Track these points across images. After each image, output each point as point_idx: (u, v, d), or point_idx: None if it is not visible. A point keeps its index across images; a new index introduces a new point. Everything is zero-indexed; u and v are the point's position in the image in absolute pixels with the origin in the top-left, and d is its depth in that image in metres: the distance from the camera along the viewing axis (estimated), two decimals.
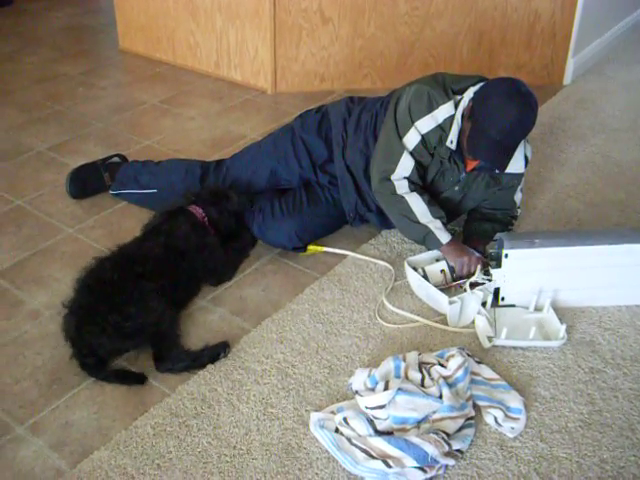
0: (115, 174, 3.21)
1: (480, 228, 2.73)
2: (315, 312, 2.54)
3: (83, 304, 2.32)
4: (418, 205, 2.59)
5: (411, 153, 2.58)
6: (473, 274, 2.53)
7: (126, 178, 3.17)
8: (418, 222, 2.59)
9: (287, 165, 2.91)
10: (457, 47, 4.28)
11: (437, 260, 2.66)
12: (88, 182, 3.22)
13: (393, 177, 2.60)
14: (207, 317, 2.53)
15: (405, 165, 2.58)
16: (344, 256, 2.83)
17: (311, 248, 2.83)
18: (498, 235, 2.51)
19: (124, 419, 2.13)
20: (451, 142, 2.52)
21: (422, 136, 2.55)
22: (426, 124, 2.53)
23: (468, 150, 2.48)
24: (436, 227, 2.59)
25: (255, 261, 2.82)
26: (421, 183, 2.65)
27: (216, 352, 2.33)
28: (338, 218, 2.87)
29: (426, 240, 2.61)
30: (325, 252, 2.84)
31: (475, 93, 2.46)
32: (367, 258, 2.81)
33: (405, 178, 2.60)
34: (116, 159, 3.32)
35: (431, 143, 2.56)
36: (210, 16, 4.34)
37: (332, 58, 4.24)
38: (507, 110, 2.34)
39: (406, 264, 2.62)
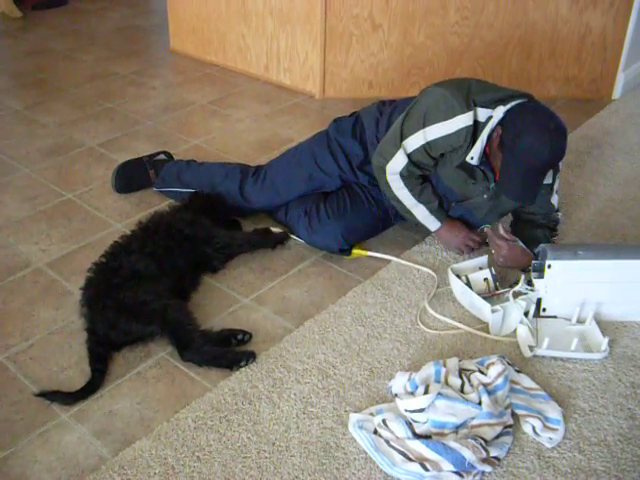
0: (160, 171, 3.28)
1: (532, 234, 2.73)
2: (357, 315, 2.56)
3: (90, 296, 2.46)
4: (408, 198, 2.74)
5: (408, 155, 2.63)
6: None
7: (169, 176, 3.23)
8: (409, 212, 2.78)
9: (325, 168, 2.94)
10: (506, 58, 4.27)
11: (480, 268, 2.67)
12: (133, 178, 3.30)
13: (387, 171, 2.69)
14: (250, 316, 2.56)
15: (397, 160, 2.65)
16: (388, 261, 2.85)
17: (355, 252, 2.86)
18: (541, 246, 2.51)
19: (166, 411, 2.17)
20: (472, 158, 2.53)
21: (427, 142, 2.58)
22: (437, 131, 2.55)
23: (499, 186, 2.53)
24: (424, 217, 2.77)
25: (299, 263, 2.85)
26: (416, 175, 2.72)
27: (238, 358, 2.32)
28: (382, 219, 2.90)
29: (418, 226, 2.84)
30: (369, 256, 2.86)
31: (506, 119, 2.46)
32: (410, 264, 2.82)
33: (399, 173, 2.68)
34: (162, 156, 3.38)
35: (437, 149, 2.59)
36: (261, 20, 4.39)
37: (381, 65, 4.27)
38: (538, 151, 2.36)
39: (450, 271, 2.63)
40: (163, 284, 2.49)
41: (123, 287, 2.42)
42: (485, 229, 2.68)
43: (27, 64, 4.84)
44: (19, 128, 3.92)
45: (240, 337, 2.41)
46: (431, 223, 2.78)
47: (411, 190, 2.71)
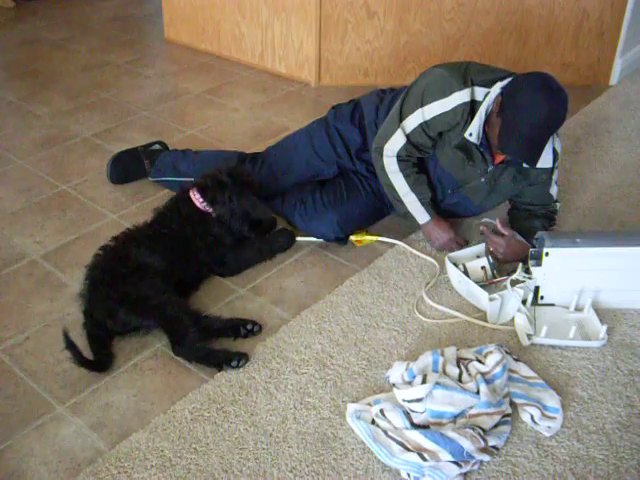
0: (155, 161, 3.26)
1: (529, 225, 2.71)
2: (354, 304, 2.55)
3: (94, 280, 2.44)
4: (401, 185, 2.71)
5: (407, 135, 2.61)
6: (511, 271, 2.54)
7: (165, 165, 3.22)
8: (400, 199, 2.74)
9: (323, 154, 2.93)
10: (502, 45, 4.25)
11: (478, 257, 2.66)
12: (129, 168, 3.28)
13: (385, 152, 2.68)
14: (247, 306, 2.55)
15: (395, 140, 2.64)
16: (384, 250, 2.84)
17: (367, 238, 2.87)
18: (539, 233, 2.49)
19: (162, 403, 2.16)
20: (470, 134, 2.51)
21: (425, 121, 2.57)
22: (434, 109, 2.54)
23: (499, 147, 2.47)
24: (415, 208, 2.74)
25: (295, 252, 2.83)
26: (414, 160, 2.71)
27: (230, 358, 2.28)
28: (378, 208, 2.89)
29: (407, 217, 2.80)
30: (363, 246, 2.86)
31: (503, 89, 2.44)
32: (416, 252, 2.81)
33: (396, 155, 2.66)
34: (157, 146, 3.36)
35: (435, 128, 2.58)
36: (256, 8, 4.36)
37: (376, 53, 4.24)
38: (538, 106, 2.32)
39: (447, 259, 2.62)
40: (167, 281, 2.46)
41: (128, 279, 2.39)
42: (481, 227, 2.66)
43: (20, 55, 4.81)
44: (13, 119, 3.90)
45: (250, 327, 2.40)
46: (420, 215, 2.76)
47: (406, 176, 2.69)
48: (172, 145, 3.46)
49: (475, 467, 1.95)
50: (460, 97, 2.49)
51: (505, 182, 2.68)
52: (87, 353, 2.28)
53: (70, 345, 2.21)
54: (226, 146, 3.56)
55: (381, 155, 2.69)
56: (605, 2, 4.10)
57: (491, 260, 2.61)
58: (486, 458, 1.95)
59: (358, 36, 4.18)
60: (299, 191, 2.93)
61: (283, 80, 4.41)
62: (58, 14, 5.57)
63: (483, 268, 2.62)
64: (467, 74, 2.51)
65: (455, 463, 1.92)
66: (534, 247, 2.50)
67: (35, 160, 3.47)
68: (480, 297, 2.47)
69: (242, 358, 2.29)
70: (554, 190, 2.71)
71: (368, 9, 4.10)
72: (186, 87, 4.32)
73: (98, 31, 5.24)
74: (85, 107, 4.03)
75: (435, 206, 2.81)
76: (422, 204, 2.74)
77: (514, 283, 2.48)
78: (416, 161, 2.72)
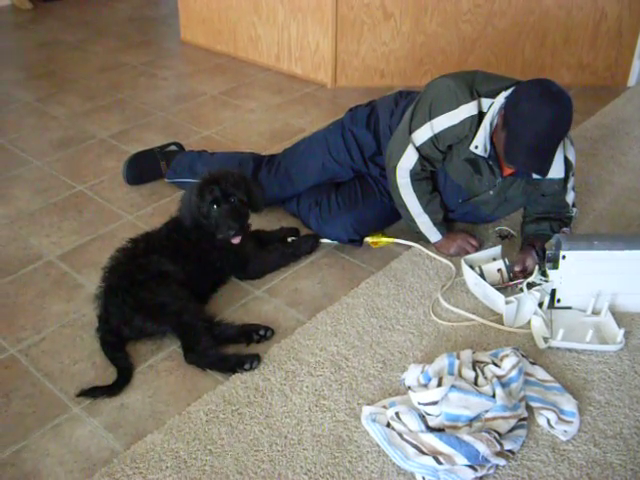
0: (171, 162, 3.26)
1: (538, 227, 2.70)
2: (370, 307, 2.55)
3: (110, 284, 2.42)
4: (414, 205, 2.72)
5: (417, 148, 2.60)
6: (529, 274, 2.53)
7: (181, 167, 3.22)
8: (413, 220, 2.76)
9: (338, 158, 2.92)
10: (519, 46, 4.23)
11: (494, 259, 2.65)
12: (145, 169, 3.29)
13: (398, 172, 2.67)
14: (262, 307, 2.55)
15: (409, 156, 2.62)
16: (400, 252, 2.83)
17: (383, 240, 2.88)
18: (556, 236, 2.48)
19: (178, 404, 2.16)
20: (476, 147, 2.49)
21: (435, 134, 2.55)
22: (443, 122, 2.53)
23: (507, 160, 2.43)
24: (427, 228, 2.77)
25: (311, 254, 2.83)
26: (427, 174, 2.70)
27: (242, 362, 2.27)
28: (393, 210, 2.87)
29: (419, 234, 2.82)
30: (379, 248, 2.86)
31: (506, 99, 2.42)
32: (432, 253, 2.81)
33: (409, 172, 2.65)
34: (173, 147, 3.37)
35: (444, 141, 2.56)
36: (272, 9, 4.36)
37: (393, 54, 4.23)
38: (540, 113, 2.27)
39: (463, 262, 2.61)
40: (186, 287, 2.45)
41: (145, 285, 2.38)
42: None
43: (37, 56, 4.85)
44: (30, 120, 3.92)
45: (262, 333, 2.39)
46: (432, 235, 2.78)
47: (419, 198, 2.69)
48: (188, 146, 3.47)
49: (491, 471, 1.94)
50: (468, 110, 2.48)
51: (515, 194, 2.66)
52: (101, 359, 2.30)
53: (91, 392, 2.20)
54: (242, 147, 3.56)
55: (395, 175, 2.68)
56: (623, 3, 4.07)
57: (507, 263, 2.60)
58: (502, 462, 1.94)
59: (374, 37, 4.18)
60: (314, 193, 2.93)
61: (299, 81, 4.42)
62: (74, 15, 5.60)
63: (499, 271, 2.61)
64: (473, 85, 2.50)
65: (470, 467, 1.91)
66: (544, 249, 2.49)
67: (52, 161, 3.49)
68: (496, 300, 2.46)
69: (254, 360, 2.28)
70: (570, 197, 2.69)
71: (384, 10, 4.09)
72: (202, 88, 4.34)
73: (114, 32, 5.26)
74: (102, 108, 4.05)
75: (446, 215, 2.81)
76: (434, 224, 2.75)
77: (530, 286, 2.48)
78: (429, 175, 2.71)
